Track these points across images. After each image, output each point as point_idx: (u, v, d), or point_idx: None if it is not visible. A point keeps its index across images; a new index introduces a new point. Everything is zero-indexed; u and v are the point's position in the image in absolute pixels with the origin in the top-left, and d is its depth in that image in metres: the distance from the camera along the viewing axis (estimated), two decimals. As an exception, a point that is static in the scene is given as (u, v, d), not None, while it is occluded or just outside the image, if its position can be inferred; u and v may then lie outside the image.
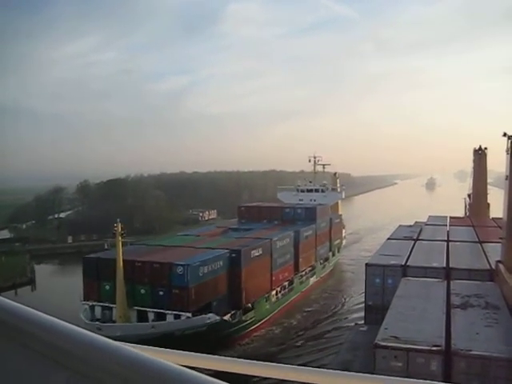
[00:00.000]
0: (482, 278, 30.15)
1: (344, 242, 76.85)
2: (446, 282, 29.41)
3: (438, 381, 18.83)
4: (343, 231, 76.30)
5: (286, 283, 48.74)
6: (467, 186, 77.21)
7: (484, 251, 37.09)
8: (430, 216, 63.24)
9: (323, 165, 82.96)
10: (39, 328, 1.45)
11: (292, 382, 1.81)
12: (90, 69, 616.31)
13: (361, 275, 55.25)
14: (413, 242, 41.83)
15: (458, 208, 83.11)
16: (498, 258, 30.09)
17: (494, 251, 33.33)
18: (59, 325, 1.46)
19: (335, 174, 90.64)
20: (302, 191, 78.44)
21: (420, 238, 44.66)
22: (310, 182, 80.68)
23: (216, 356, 1.96)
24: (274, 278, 44.38)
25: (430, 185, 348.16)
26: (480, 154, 70.59)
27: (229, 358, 1.94)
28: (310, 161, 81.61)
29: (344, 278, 64.59)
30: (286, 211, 59.22)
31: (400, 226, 53.22)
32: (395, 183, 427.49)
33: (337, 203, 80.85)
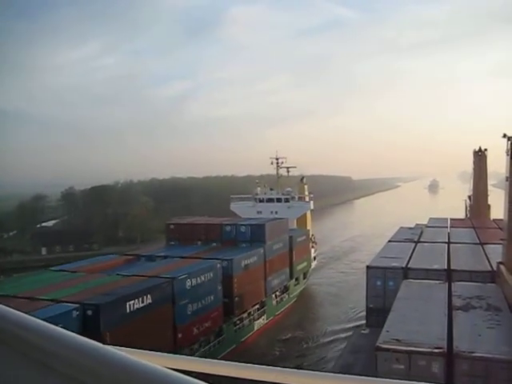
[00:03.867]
0: (484, 280, 30.10)
1: (314, 264, 63.17)
2: (447, 283, 29.36)
3: (440, 383, 18.77)
4: (312, 251, 62.05)
5: (212, 336, 35.02)
6: (470, 188, 77.04)
7: (485, 252, 37.06)
8: (430, 218, 63.22)
9: (287, 167, 68.65)
10: (31, 332, 1.42)
11: None
12: (93, 74, 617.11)
13: (347, 295, 51.97)
14: (414, 244, 41.78)
15: (462, 213, 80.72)
16: (499, 260, 30.03)
17: (495, 252, 33.27)
18: (50, 329, 1.43)
19: (302, 178, 74.29)
20: (261, 201, 64.42)
21: (421, 240, 44.59)
22: (271, 189, 66.80)
23: (209, 359, 1.94)
24: (180, 335, 30.49)
25: (433, 187, 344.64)
26: (480, 156, 70.59)
27: (223, 362, 1.91)
28: (272, 163, 67.84)
29: (313, 310, 52.14)
30: (227, 230, 45.36)
31: (401, 228, 53.24)
32: (398, 186, 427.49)
33: (304, 216, 66.23)
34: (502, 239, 30.89)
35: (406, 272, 32.18)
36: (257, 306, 42.46)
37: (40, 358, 1.37)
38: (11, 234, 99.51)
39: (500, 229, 38.82)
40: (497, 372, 18.44)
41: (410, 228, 53.64)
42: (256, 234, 44.34)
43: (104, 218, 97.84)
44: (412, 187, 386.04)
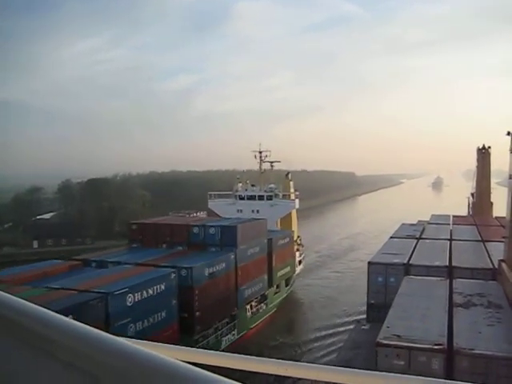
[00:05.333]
0: (485, 277, 30.16)
1: (299, 268, 57.39)
2: (448, 280, 29.42)
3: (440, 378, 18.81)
4: (297, 254, 56.74)
5: None
6: (473, 186, 76.88)
7: (487, 250, 37.08)
8: (432, 215, 63.21)
9: (271, 162, 62.31)
10: (31, 320, 1.43)
11: (295, 378, 1.78)
12: (98, 67, 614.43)
13: (341, 298, 48.72)
14: (415, 240, 41.85)
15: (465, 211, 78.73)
16: (501, 257, 30.01)
17: (497, 250, 33.27)
18: (52, 317, 1.44)
19: (287, 174, 66.43)
20: (242, 198, 59.17)
21: (423, 236, 44.70)
22: (253, 185, 60.89)
23: (212, 351, 1.95)
24: None
25: (437, 184, 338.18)
26: (483, 153, 70.48)
27: (227, 354, 1.93)
28: (255, 157, 61.83)
29: (296, 319, 47.81)
30: (194, 231, 40.29)
31: (403, 224, 53.25)
32: (401, 182, 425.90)
33: (289, 215, 59.95)
34: (503, 237, 30.89)
35: (407, 268, 32.26)
36: (226, 320, 37.38)
37: (42, 345, 1.37)
38: (6, 226, 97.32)
39: (502, 226, 38.80)
40: (497, 369, 18.50)
41: (412, 224, 53.64)
42: (226, 237, 39.20)
43: (99, 212, 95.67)
44: (416, 184, 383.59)
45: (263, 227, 44.86)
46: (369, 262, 33.95)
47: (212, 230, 39.74)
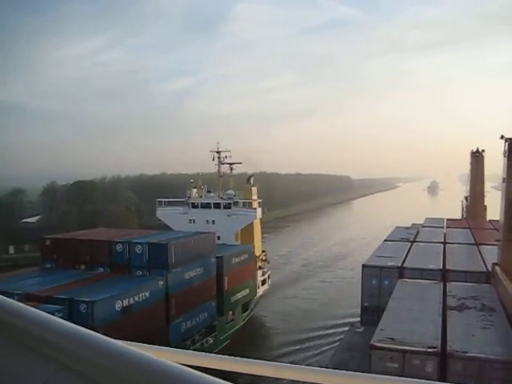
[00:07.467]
0: (479, 280, 30.30)
1: (263, 290, 49.61)
2: (442, 283, 29.52)
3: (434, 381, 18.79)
4: (259, 273, 48.97)
5: None
6: (467, 189, 77.20)
7: (480, 253, 37.27)
8: (426, 218, 63.41)
9: (230, 164, 53.75)
10: (25, 321, 1.45)
11: (290, 380, 1.80)
12: (96, 68, 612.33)
13: (323, 311, 44.97)
14: (410, 243, 42.00)
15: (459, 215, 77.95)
16: (495, 261, 30.20)
17: (491, 253, 33.45)
18: (46, 318, 1.46)
19: (249, 178, 57.05)
20: (195, 207, 50.78)
21: (417, 239, 44.85)
22: (209, 191, 53.30)
23: (206, 353, 1.96)
24: None
25: (433, 188, 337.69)
26: (477, 157, 70.88)
27: (220, 356, 1.92)
28: (213, 159, 53.38)
29: (261, 345, 41.11)
30: (118, 250, 33.09)
31: (397, 227, 53.37)
32: (397, 186, 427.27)
33: (251, 227, 51.10)
34: (497, 240, 31.04)
35: (401, 271, 32.35)
36: None
37: (37, 347, 1.39)
38: None
39: (496, 230, 38.98)
40: (490, 372, 18.53)
41: (406, 228, 53.82)
42: (155, 258, 32.19)
43: (81, 215, 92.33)
44: (411, 188, 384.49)
45: (210, 243, 37.71)
46: (363, 265, 34.01)
47: (138, 249, 32.67)
